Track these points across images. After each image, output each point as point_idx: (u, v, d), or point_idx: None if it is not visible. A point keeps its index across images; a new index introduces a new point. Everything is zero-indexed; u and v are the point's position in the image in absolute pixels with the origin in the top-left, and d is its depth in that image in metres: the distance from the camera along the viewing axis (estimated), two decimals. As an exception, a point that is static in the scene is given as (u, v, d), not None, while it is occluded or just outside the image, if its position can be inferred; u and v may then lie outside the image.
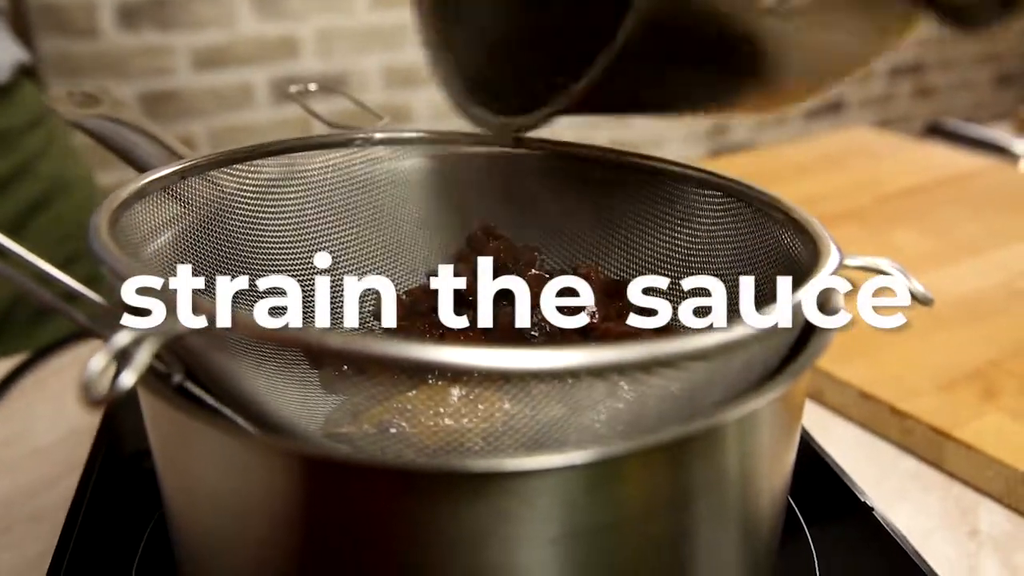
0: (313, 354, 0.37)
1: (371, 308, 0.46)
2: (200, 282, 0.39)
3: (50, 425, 0.59)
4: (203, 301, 0.25)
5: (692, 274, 0.42)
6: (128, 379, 0.23)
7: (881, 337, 0.67)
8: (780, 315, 0.27)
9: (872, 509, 0.42)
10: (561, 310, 0.39)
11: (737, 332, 0.26)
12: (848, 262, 0.33)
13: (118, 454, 0.48)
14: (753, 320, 0.26)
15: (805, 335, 0.32)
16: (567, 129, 0.48)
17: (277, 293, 0.42)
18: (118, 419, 0.50)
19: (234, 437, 0.28)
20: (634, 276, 0.44)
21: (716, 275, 0.41)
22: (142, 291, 0.26)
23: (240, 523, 0.30)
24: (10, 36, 0.85)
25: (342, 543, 0.28)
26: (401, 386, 0.35)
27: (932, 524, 0.50)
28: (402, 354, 0.24)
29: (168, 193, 0.39)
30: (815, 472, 0.46)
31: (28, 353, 0.66)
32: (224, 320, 0.25)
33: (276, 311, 0.42)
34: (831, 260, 0.31)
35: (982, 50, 3.23)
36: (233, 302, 0.40)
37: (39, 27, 1.65)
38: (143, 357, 0.23)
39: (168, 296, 0.25)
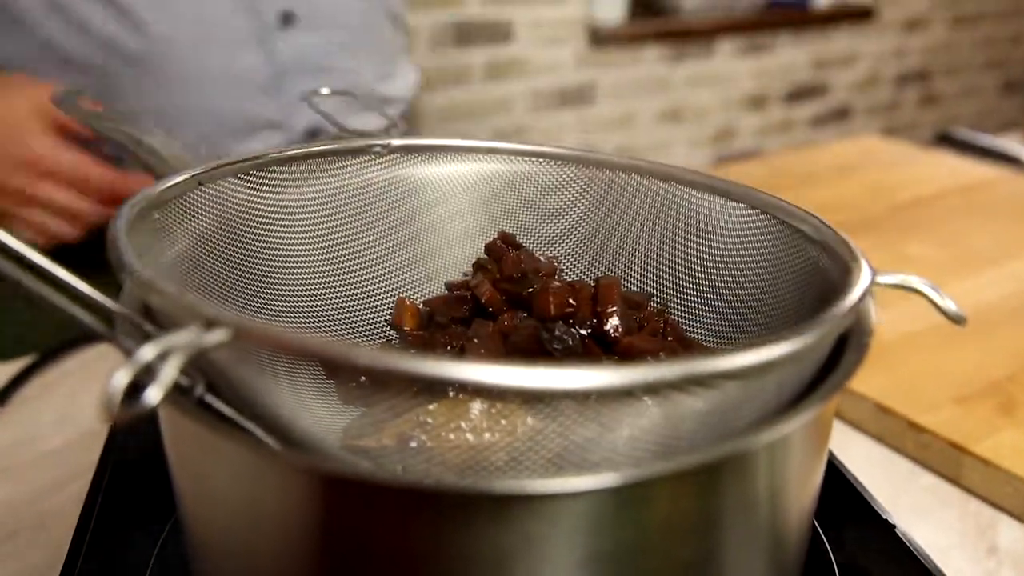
0: (338, 368, 0.37)
1: (388, 318, 0.45)
2: (213, 290, 0.38)
3: (57, 429, 0.58)
4: (228, 314, 0.25)
5: (716, 286, 0.41)
6: (154, 396, 0.22)
7: (897, 350, 0.66)
8: (815, 334, 0.27)
9: (895, 527, 0.42)
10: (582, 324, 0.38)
11: (772, 351, 0.25)
12: (881, 280, 0.33)
13: (129, 458, 0.47)
14: (789, 339, 0.26)
15: (835, 354, 0.32)
16: (571, 134, 0.47)
17: (292, 302, 0.42)
18: (131, 424, 0.50)
19: (255, 453, 0.27)
20: (656, 288, 0.44)
21: (742, 289, 0.40)
22: (166, 302, 0.26)
23: (258, 538, 0.29)
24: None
25: (361, 563, 0.27)
26: (421, 399, 0.34)
27: (950, 541, 0.50)
28: (426, 370, 0.23)
29: (184, 201, 0.38)
30: (836, 488, 0.45)
31: (34, 356, 0.65)
32: (249, 333, 0.24)
33: (294, 321, 0.42)
34: (863, 277, 0.31)
35: (988, 57, 3.23)
36: (247, 312, 0.39)
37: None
38: (169, 372, 0.23)
39: (193, 308, 0.25)
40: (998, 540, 0.50)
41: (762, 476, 0.29)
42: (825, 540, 0.42)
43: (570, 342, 0.36)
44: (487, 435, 0.33)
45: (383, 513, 0.26)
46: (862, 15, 2.91)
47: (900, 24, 3.05)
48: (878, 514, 0.43)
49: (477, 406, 0.33)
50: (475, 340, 0.38)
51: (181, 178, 0.38)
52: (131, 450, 0.48)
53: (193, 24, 0.75)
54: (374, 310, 0.46)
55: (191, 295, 0.26)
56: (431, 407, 0.34)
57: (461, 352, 0.39)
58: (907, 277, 0.33)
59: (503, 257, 0.43)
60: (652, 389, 0.25)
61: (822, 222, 0.36)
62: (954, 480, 0.55)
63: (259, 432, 0.29)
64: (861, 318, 0.32)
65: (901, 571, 0.41)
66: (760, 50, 2.77)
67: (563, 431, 0.31)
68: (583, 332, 0.38)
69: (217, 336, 0.24)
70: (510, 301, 0.41)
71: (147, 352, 0.23)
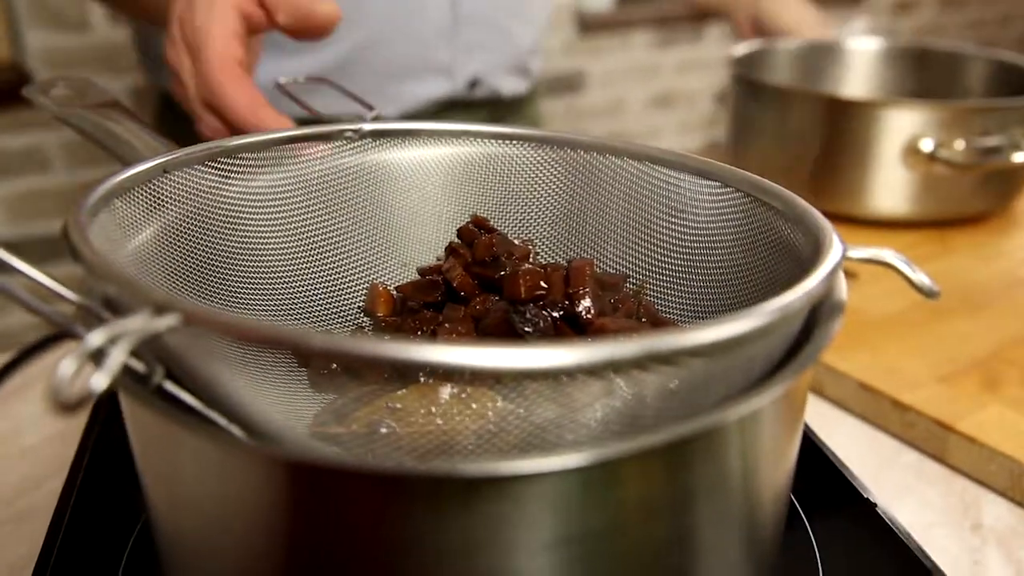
0: (296, 353, 0.36)
1: (361, 304, 0.45)
2: (180, 278, 0.38)
3: (36, 425, 0.58)
4: (178, 299, 0.24)
5: (691, 266, 0.41)
6: (100, 381, 0.22)
7: (881, 328, 0.66)
8: (782, 309, 0.26)
9: (875, 505, 0.41)
10: (556, 306, 0.38)
11: (737, 327, 0.25)
12: (851, 254, 0.32)
13: (105, 454, 0.47)
14: (754, 315, 0.25)
15: (807, 329, 0.31)
16: (561, 122, 0.47)
17: (263, 290, 0.41)
18: (105, 419, 0.49)
19: (216, 442, 0.27)
20: (632, 269, 0.43)
21: (717, 268, 0.40)
22: (118, 289, 0.25)
23: (224, 529, 0.29)
24: None
25: (330, 549, 0.27)
26: (391, 385, 0.34)
27: (935, 519, 0.49)
28: (385, 353, 0.23)
29: (150, 188, 0.38)
30: (817, 467, 0.45)
31: (13, 353, 0.65)
32: (199, 318, 0.24)
33: (266, 309, 0.42)
34: (834, 252, 0.30)
35: (977, 39, 3.22)
36: (216, 300, 0.39)
37: (29, 21, 1.63)
38: (117, 358, 0.22)
39: (143, 294, 0.24)
40: (982, 517, 0.50)
41: (734, 453, 0.28)
42: (805, 519, 0.42)
43: (541, 324, 0.35)
44: (457, 420, 0.32)
45: (348, 500, 0.26)
46: (851, -2, 2.91)
47: (889, 6, 3.04)
48: (859, 493, 0.42)
49: (446, 391, 0.33)
50: (446, 324, 0.38)
51: (146, 166, 0.37)
52: (107, 446, 0.47)
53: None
54: (348, 297, 0.45)
55: (142, 280, 0.25)
56: (400, 393, 0.34)
57: (432, 337, 0.38)
58: (879, 251, 0.33)
59: (475, 241, 0.42)
60: (614, 367, 0.24)
61: (795, 197, 0.36)
62: (939, 458, 0.55)
63: (222, 421, 0.29)
64: (833, 292, 0.32)
65: (882, 550, 0.40)
66: (749, 34, 2.76)
67: (532, 413, 0.31)
68: (555, 314, 0.37)
69: (167, 321, 0.23)
70: (482, 285, 0.41)
71: (95, 338, 0.22)
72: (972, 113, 0.81)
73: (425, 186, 0.47)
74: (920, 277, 0.33)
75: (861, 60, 1.06)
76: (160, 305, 0.24)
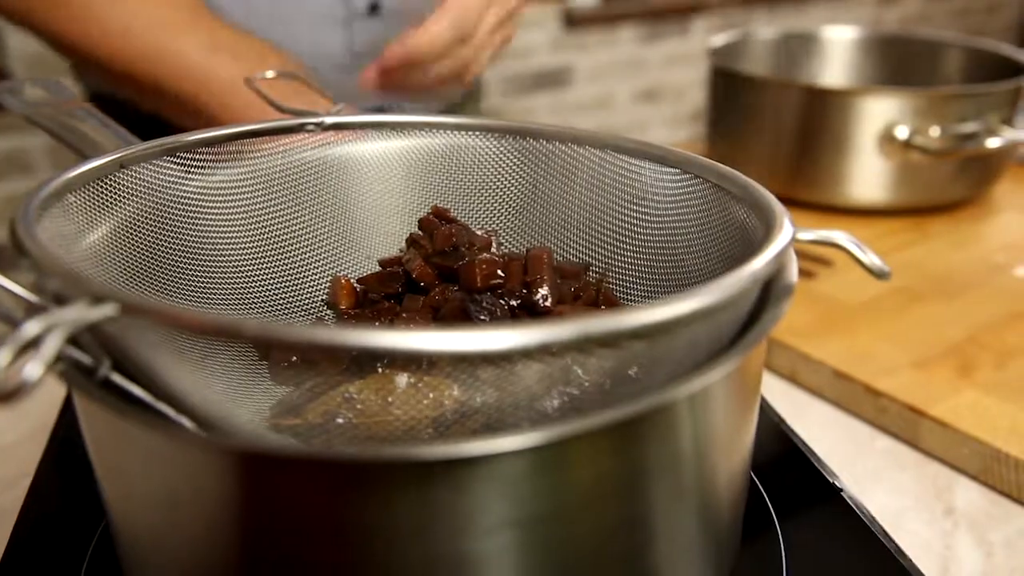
0: (234, 340, 0.36)
1: (324, 298, 0.45)
2: (139, 274, 0.37)
3: (9, 425, 0.58)
4: (115, 290, 0.24)
5: (653, 253, 0.41)
6: (34, 371, 0.22)
7: (855, 316, 0.66)
8: (724, 290, 0.26)
9: (841, 490, 0.41)
10: (512, 294, 0.38)
11: (677, 308, 0.25)
12: (801, 236, 0.32)
13: (71, 455, 0.46)
14: (694, 296, 0.25)
15: (759, 308, 0.31)
16: (547, 117, 0.47)
17: (225, 285, 0.41)
18: (72, 419, 0.49)
19: (163, 434, 0.26)
20: (594, 257, 0.43)
21: (677, 255, 0.39)
22: (58, 280, 0.25)
23: (177, 522, 0.29)
24: None
25: (281, 537, 0.27)
26: (348, 376, 0.34)
27: (907, 503, 0.49)
28: (314, 339, 0.23)
29: (106, 183, 0.38)
30: (784, 455, 0.45)
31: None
32: (136, 308, 0.23)
33: (227, 304, 0.42)
34: (783, 234, 0.30)
35: (964, 28, 3.23)
36: (176, 295, 0.39)
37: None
38: (51, 346, 0.22)
39: (80, 285, 0.24)
40: (955, 501, 0.50)
41: (685, 432, 0.28)
42: (770, 505, 0.42)
43: (497, 312, 0.35)
44: (414, 409, 0.32)
45: (298, 488, 0.26)
46: (836, -11, 2.91)
47: (874, -3, 3.04)
48: (826, 479, 0.42)
49: (403, 380, 0.33)
50: (404, 315, 0.38)
51: (100, 161, 0.37)
52: (73, 447, 0.47)
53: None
54: (312, 290, 0.45)
55: (82, 273, 0.25)
56: (357, 384, 0.34)
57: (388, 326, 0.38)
58: (829, 233, 0.33)
59: (435, 232, 0.42)
60: (554, 348, 0.24)
61: (751, 182, 0.35)
62: (912, 443, 0.55)
63: (171, 412, 0.29)
64: (783, 273, 0.32)
65: (848, 536, 0.41)
66: (735, 28, 2.76)
67: (488, 402, 0.31)
68: (513, 303, 0.37)
69: (104, 311, 0.23)
70: (442, 275, 0.41)
71: (30, 328, 0.22)
72: (947, 100, 0.81)
73: (388, 178, 0.47)
74: (871, 258, 0.32)
75: (840, 49, 1.06)
76: (97, 295, 0.24)
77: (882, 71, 1.05)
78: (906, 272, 0.74)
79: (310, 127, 0.45)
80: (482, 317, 0.35)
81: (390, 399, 0.33)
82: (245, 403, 0.35)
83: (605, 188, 0.42)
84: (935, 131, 0.80)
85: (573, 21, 2.51)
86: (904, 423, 0.55)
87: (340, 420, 0.33)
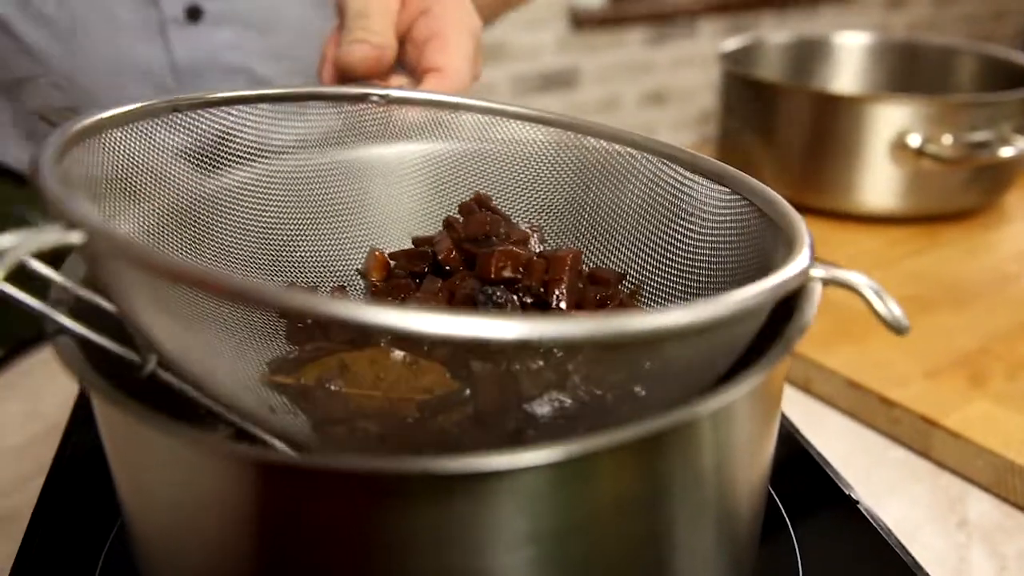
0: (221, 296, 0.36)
1: (359, 268, 0.45)
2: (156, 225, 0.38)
3: (21, 425, 0.58)
4: (89, 218, 0.26)
5: (688, 271, 0.40)
6: None
7: (867, 324, 0.66)
8: (723, 309, 0.25)
9: (858, 502, 0.41)
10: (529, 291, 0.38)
11: (675, 318, 0.24)
12: (815, 272, 0.30)
13: (85, 455, 0.46)
14: (692, 310, 0.25)
15: (778, 325, 0.31)
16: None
17: (251, 249, 0.42)
18: (86, 420, 0.49)
19: (186, 442, 0.26)
20: (633, 267, 0.43)
21: (711, 273, 0.39)
22: (48, 201, 0.27)
23: (196, 528, 0.29)
24: None
25: (301, 550, 0.27)
26: (347, 345, 0.34)
27: (921, 515, 0.49)
28: (288, 302, 0.24)
29: (154, 123, 0.38)
30: (800, 465, 0.44)
31: (-1, 351, 0.65)
32: (103, 237, 0.25)
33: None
34: (791, 266, 0.29)
35: (971, 34, 3.22)
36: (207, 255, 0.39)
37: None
38: (13, 256, 0.25)
39: (61, 209, 0.26)
40: (968, 513, 0.50)
41: (708, 447, 0.28)
42: (787, 517, 0.42)
43: (507, 307, 0.35)
44: (403, 390, 0.33)
45: (319, 499, 0.26)
46: (844, -7, 2.91)
47: (882, 2, 3.04)
48: (841, 490, 0.42)
49: (398, 358, 0.33)
50: (418, 295, 0.38)
51: (154, 101, 0.38)
52: (87, 447, 0.47)
53: (74, 8, 0.69)
54: (346, 259, 0.45)
55: (70, 196, 0.26)
56: (354, 353, 0.34)
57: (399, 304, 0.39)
58: (848, 274, 0.30)
59: (470, 217, 0.42)
60: (541, 346, 0.24)
61: (791, 210, 0.34)
62: (925, 454, 0.55)
63: (216, 409, 0.29)
64: (807, 290, 0.31)
65: (864, 547, 0.40)
66: (743, 31, 2.76)
67: (477, 396, 0.31)
68: (527, 300, 0.37)
69: (73, 236, 0.25)
70: (468, 262, 0.40)
71: (3, 240, 0.25)
72: (960, 108, 0.81)
73: (441, 166, 0.47)
74: (891, 309, 0.30)
75: (851, 56, 1.06)
76: (71, 222, 0.25)
77: (893, 77, 1.04)
78: (917, 281, 0.73)
79: (374, 98, 0.45)
80: (489, 308, 0.35)
81: (381, 375, 0.33)
82: (240, 358, 0.35)
83: (656, 199, 0.42)
84: (947, 139, 0.80)
85: (580, 22, 2.51)
86: (917, 433, 0.55)
87: (331, 387, 0.33)
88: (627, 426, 0.25)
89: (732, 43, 0.99)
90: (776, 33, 1.11)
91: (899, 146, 0.81)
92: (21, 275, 0.27)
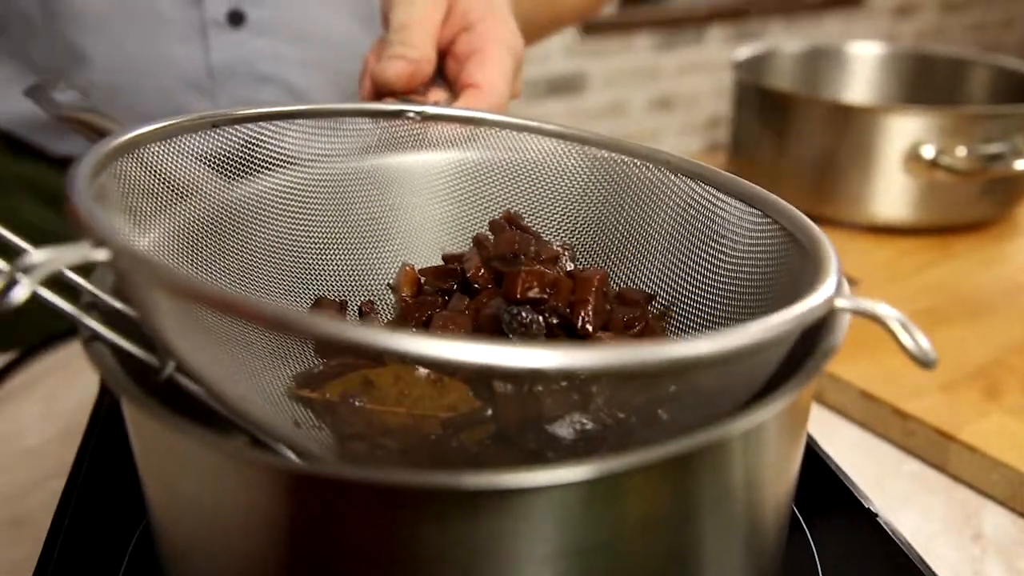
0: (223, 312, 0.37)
1: (390, 282, 0.45)
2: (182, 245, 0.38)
3: (39, 426, 0.58)
4: (115, 238, 0.26)
5: (717, 294, 0.40)
6: (21, 294, 0.25)
7: (882, 336, 0.66)
8: (734, 341, 0.25)
9: (876, 515, 0.41)
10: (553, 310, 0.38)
11: (687, 349, 0.25)
12: (840, 303, 0.30)
13: (105, 457, 0.47)
14: (709, 341, 0.25)
15: (809, 343, 0.31)
16: (562, 122, 0.46)
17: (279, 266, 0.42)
18: (106, 421, 0.49)
19: (218, 451, 0.27)
20: (663, 289, 0.43)
21: (740, 298, 0.39)
22: (76, 220, 0.27)
23: (225, 537, 0.29)
24: None
25: (329, 561, 0.27)
26: (371, 362, 0.35)
27: (935, 528, 0.49)
28: (304, 326, 0.24)
29: (189, 140, 0.39)
30: (818, 476, 0.45)
31: (16, 352, 0.65)
32: (127, 256, 0.26)
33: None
34: (817, 297, 0.29)
35: (979, 42, 3.22)
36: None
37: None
38: (41, 273, 0.25)
39: (88, 227, 0.27)
40: (983, 527, 0.50)
41: (737, 466, 0.28)
42: (806, 529, 0.42)
43: (533, 327, 0.35)
44: (427, 408, 0.33)
45: (349, 511, 0.26)
46: (853, 1, 2.91)
47: (891, 10, 3.04)
48: (860, 503, 0.42)
49: (422, 376, 0.34)
50: (444, 313, 0.38)
51: (193, 116, 0.38)
52: (107, 449, 0.47)
53: (118, 2, 0.70)
54: (378, 270, 0.46)
55: (98, 215, 0.27)
56: (379, 369, 0.34)
57: (425, 323, 0.39)
58: (874, 305, 0.30)
59: (499, 235, 0.42)
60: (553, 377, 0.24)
61: (822, 236, 0.34)
62: (940, 467, 0.55)
63: (228, 414, 0.29)
64: (835, 312, 0.31)
65: (883, 560, 0.41)
66: (751, 38, 2.77)
67: (499, 414, 0.31)
68: (553, 320, 0.37)
69: (99, 254, 0.26)
70: (497, 280, 0.41)
71: (33, 256, 0.25)
72: (974, 120, 0.81)
73: (473, 181, 0.47)
74: (920, 342, 0.29)
75: (863, 66, 1.06)
76: (99, 240, 0.26)
77: (905, 87, 1.05)
78: (930, 293, 0.74)
79: (410, 115, 0.45)
80: (513, 328, 0.35)
81: (405, 391, 0.33)
82: (266, 374, 0.36)
83: (688, 220, 0.42)
84: (961, 151, 0.80)
85: (588, 28, 2.51)
86: (932, 446, 0.55)
87: (355, 402, 0.34)
88: (658, 445, 0.25)
89: (744, 52, 0.99)
90: (789, 42, 1.11)
91: (913, 157, 0.81)
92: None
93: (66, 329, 0.66)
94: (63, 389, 0.62)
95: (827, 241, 0.33)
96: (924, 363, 0.29)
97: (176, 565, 0.32)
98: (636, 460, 0.25)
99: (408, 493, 0.25)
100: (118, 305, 0.33)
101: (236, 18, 0.71)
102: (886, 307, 0.30)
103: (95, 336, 0.30)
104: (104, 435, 0.48)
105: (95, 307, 0.32)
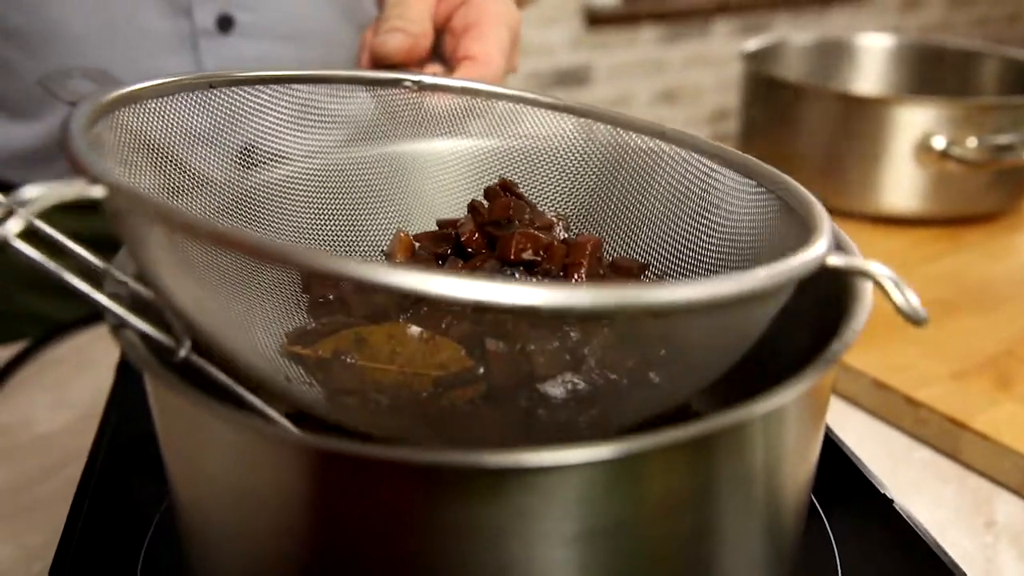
0: (244, 254, 0.36)
1: (384, 249, 0.45)
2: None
3: (51, 413, 0.58)
4: (112, 176, 0.26)
5: (711, 265, 0.40)
6: (13, 227, 0.24)
7: (894, 325, 0.66)
8: (725, 287, 0.25)
9: (892, 501, 0.41)
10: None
11: (679, 293, 0.25)
12: (832, 260, 0.29)
13: (123, 443, 0.47)
14: (699, 287, 0.25)
15: (831, 327, 0.31)
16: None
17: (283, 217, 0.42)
18: (123, 407, 0.49)
19: (243, 429, 0.27)
20: (657, 259, 0.43)
21: (733, 267, 0.39)
22: (74, 157, 0.27)
23: (250, 515, 0.29)
24: None
25: (354, 539, 0.27)
26: (364, 319, 0.35)
27: (948, 516, 0.50)
28: (302, 259, 0.24)
29: (188, 98, 0.39)
30: (834, 464, 0.45)
31: (29, 341, 0.65)
32: (123, 193, 0.26)
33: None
34: (809, 253, 0.28)
35: (985, 36, 3.22)
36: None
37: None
38: (35, 207, 0.25)
39: (85, 164, 0.27)
40: (996, 515, 0.50)
41: (759, 449, 0.28)
42: (823, 515, 0.42)
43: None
44: (419, 366, 0.33)
45: (375, 489, 0.26)
46: (859, -6, 2.90)
47: (896, 3, 3.04)
48: (876, 489, 0.42)
49: (415, 333, 0.34)
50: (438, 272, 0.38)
51: (191, 75, 0.38)
52: (125, 434, 0.47)
53: (102, 18, 0.67)
54: (371, 244, 0.46)
55: (94, 153, 0.27)
56: (371, 327, 0.34)
57: None
58: (864, 262, 0.30)
59: (494, 201, 0.42)
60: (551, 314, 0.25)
61: (818, 206, 0.34)
62: (952, 455, 0.55)
63: (248, 396, 0.29)
64: (858, 290, 0.31)
65: (900, 546, 0.41)
66: (756, 30, 2.76)
67: (491, 372, 0.31)
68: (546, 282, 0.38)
69: (95, 191, 0.26)
70: (491, 244, 0.41)
71: (27, 192, 0.25)
72: (984, 111, 0.81)
73: (471, 160, 0.47)
74: (909, 298, 0.29)
75: (872, 58, 1.06)
76: (95, 177, 0.26)
77: (914, 79, 1.04)
78: (941, 283, 0.74)
79: (407, 84, 0.45)
80: None
81: (398, 349, 0.34)
82: (261, 329, 0.36)
83: (683, 191, 0.42)
84: (972, 142, 0.80)
85: (594, 20, 2.51)
86: (944, 435, 0.55)
87: (347, 359, 0.34)
88: (681, 426, 0.25)
89: (754, 43, 0.99)
90: (798, 34, 1.11)
91: (923, 148, 0.81)
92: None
93: (73, 320, 0.66)
94: (73, 379, 0.62)
95: (820, 206, 0.33)
96: (915, 320, 0.29)
97: (198, 541, 0.32)
98: (659, 441, 0.25)
99: (433, 472, 0.25)
100: (140, 288, 0.33)
101: (225, 24, 0.69)
102: (878, 265, 0.30)
103: (123, 324, 0.30)
104: (120, 421, 0.48)
105: (119, 296, 0.32)
